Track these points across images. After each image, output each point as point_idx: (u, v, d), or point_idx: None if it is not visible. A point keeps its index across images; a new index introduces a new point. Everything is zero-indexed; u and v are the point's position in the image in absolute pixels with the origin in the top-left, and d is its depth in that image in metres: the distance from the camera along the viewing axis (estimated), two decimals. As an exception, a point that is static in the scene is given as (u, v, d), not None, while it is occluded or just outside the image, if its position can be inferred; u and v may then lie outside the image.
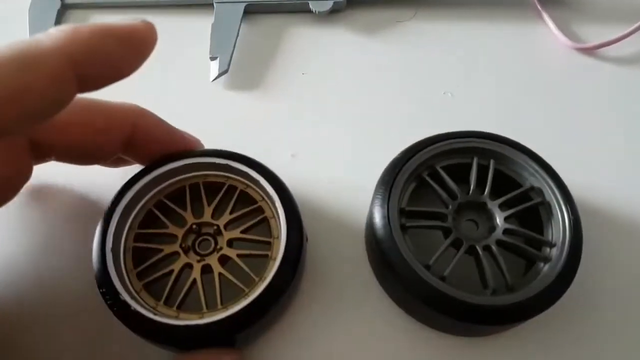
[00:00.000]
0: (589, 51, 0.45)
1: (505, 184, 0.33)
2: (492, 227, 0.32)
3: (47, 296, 0.35)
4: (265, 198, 0.33)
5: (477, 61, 0.44)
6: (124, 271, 0.31)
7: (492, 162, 0.33)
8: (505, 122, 0.41)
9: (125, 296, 0.29)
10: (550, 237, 0.31)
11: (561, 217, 0.31)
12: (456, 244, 0.31)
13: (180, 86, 0.42)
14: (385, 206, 0.30)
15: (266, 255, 0.31)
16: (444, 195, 0.32)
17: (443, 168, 0.33)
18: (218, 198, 0.33)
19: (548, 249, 0.31)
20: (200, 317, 0.29)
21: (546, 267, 0.30)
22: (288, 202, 0.32)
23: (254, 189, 0.34)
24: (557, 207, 0.31)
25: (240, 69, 0.43)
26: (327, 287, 0.34)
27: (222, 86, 0.42)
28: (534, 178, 0.32)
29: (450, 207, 0.32)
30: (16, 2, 0.45)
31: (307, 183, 0.37)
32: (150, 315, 0.29)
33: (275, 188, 0.32)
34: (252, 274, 0.31)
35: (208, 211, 0.33)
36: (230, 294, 0.31)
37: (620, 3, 0.48)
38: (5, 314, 0.33)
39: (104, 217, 0.31)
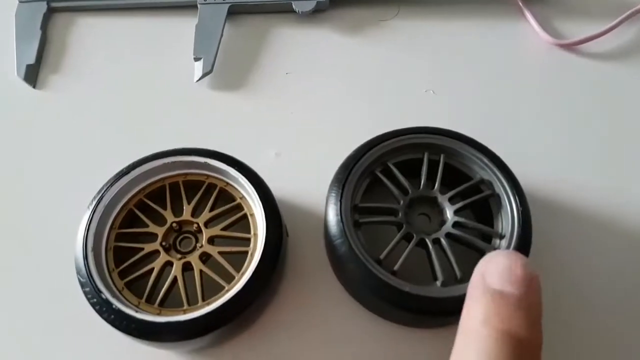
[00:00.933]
0: (570, 47, 0.46)
1: (456, 178, 0.34)
2: (443, 221, 0.33)
3: (32, 298, 0.35)
4: (245, 195, 0.34)
5: (458, 58, 0.46)
6: (105, 270, 0.32)
7: (442, 156, 0.34)
8: (481, 118, 0.42)
9: (107, 295, 0.30)
10: (500, 229, 0.32)
11: (510, 208, 0.32)
12: (407, 238, 0.32)
13: (165, 87, 0.43)
14: (339, 203, 0.32)
15: (246, 252, 0.32)
16: (395, 191, 0.33)
17: (395, 164, 0.34)
18: (198, 196, 0.34)
19: (498, 241, 0.32)
20: (182, 313, 0.30)
21: None
22: (267, 199, 0.33)
23: (233, 186, 0.34)
24: (506, 199, 0.32)
25: (225, 70, 0.44)
26: (305, 283, 0.35)
27: (207, 86, 0.43)
28: (484, 171, 0.33)
29: (402, 202, 0.33)
30: (1, 6, 0.45)
31: (290, 181, 0.38)
32: (132, 313, 0.29)
33: (254, 185, 0.33)
34: (232, 271, 0.32)
35: (188, 209, 0.34)
36: (212, 290, 0.32)
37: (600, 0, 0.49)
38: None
39: (85, 217, 0.31)
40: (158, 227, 0.33)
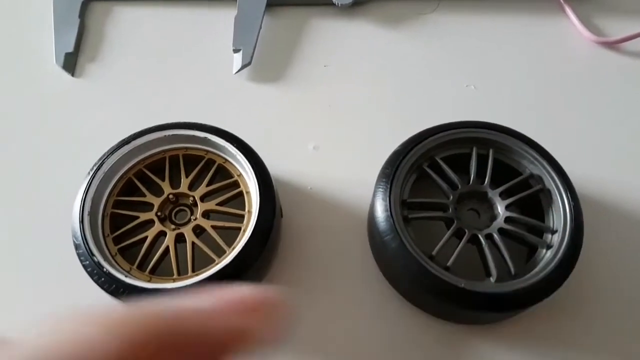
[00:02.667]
0: (612, 45, 0.45)
1: (504, 172, 0.34)
2: (494, 216, 0.33)
3: (26, 258, 0.36)
4: (243, 173, 0.34)
5: (499, 54, 0.45)
6: (100, 235, 0.33)
7: (491, 151, 0.34)
8: (525, 114, 0.41)
9: (99, 258, 0.31)
10: (551, 224, 0.32)
11: (562, 203, 0.32)
12: (459, 234, 0.32)
13: (204, 78, 0.44)
14: (387, 198, 0.32)
15: (239, 228, 0.33)
16: (444, 186, 0.33)
17: (443, 159, 0.34)
18: (196, 171, 0.36)
19: (550, 236, 0.32)
20: (172, 282, 0.31)
21: (548, 253, 0.31)
22: (263, 178, 0.33)
23: (231, 163, 0.35)
24: (557, 193, 0.32)
25: (263, 62, 0.44)
26: (314, 270, 0.36)
27: (245, 78, 0.44)
28: (533, 166, 0.33)
29: (451, 197, 0.33)
30: None
31: (326, 173, 0.39)
32: (122, 278, 0.30)
33: (251, 163, 0.33)
34: (223, 245, 0.32)
35: (186, 182, 0.35)
36: (203, 262, 0.32)
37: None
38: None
39: (85, 182, 0.32)
40: (155, 198, 0.35)
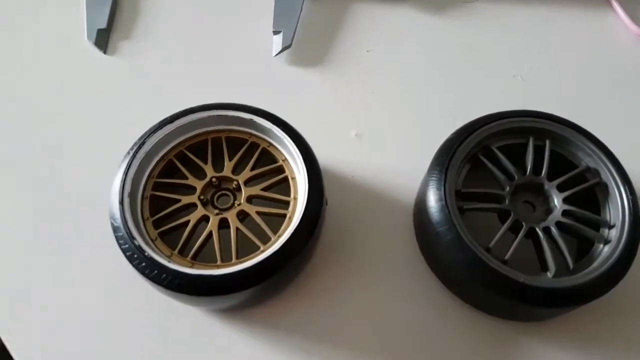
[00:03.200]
0: None
1: (560, 164, 0.33)
2: (549, 209, 0.32)
3: (62, 240, 0.35)
4: (288, 158, 0.33)
5: (545, 46, 0.44)
6: (140, 218, 0.32)
7: (547, 142, 0.32)
8: (573, 106, 0.39)
9: (140, 241, 0.29)
10: (608, 218, 0.31)
11: (619, 197, 0.30)
12: (514, 227, 0.31)
13: (242, 60, 0.43)
14: (442, 188, 0.30)
15: (284, 215, 0.32)
16: (501, 176, 0.32)
17: (498, 148, 0.33)
18: (240, 154, 0.34)
19: (607, 230, 0.31)
20: (215, 268, 0.29)
21: (606, 248, 0.30)
22: (311, 163, 0.32)
23: (276, 148, 0.34)
24: (615, 187, 0.31)
25: (304, 45, 0.43)
26: (356, 261, 0.34)
27: (285, 61, 0.42)
28: (590, 159, 0.32)
29: (507, 188, 0.32)
30: None
31: (369, 162, 0.38)
32: (165, 263, 0.29)
33: (299, 148, 0.32)
34: (269, 232, 0.31)
35: (229, 166, 0.34)
36: (246, 249, 0.31)
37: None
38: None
39: (124, 163, 0.31)
40: (197, 181, 0.33)
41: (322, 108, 0.40)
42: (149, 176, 0.33)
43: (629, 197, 0.30)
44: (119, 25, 0.44)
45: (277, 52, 0.41)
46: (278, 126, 0.33)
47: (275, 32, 0.42)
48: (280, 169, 0.34)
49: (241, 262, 0.29)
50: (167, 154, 0.33)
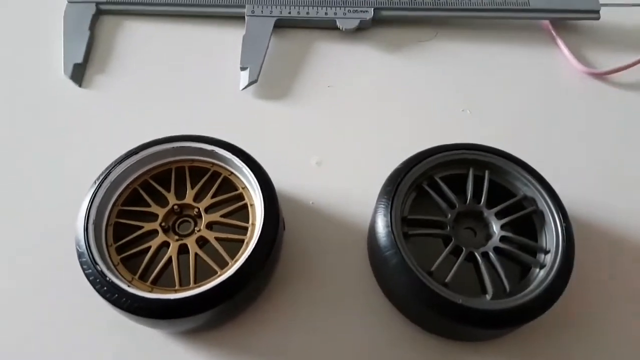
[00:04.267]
0: (600, 76, 0.47)
1: (499, 193, 0.35)
2: (489, 235, 0.34)
3: (28, 266, 0.36)
4: (247, 186, 0.35)
5: (492, 81, 0.46)
6: (104, 244, 0.33)
7: (487, 172, 0.35)
8: (516, 139, 0.42)
9: (102, 267, 0.31)
10: (544, 244, 0.33)
11: (554, 224, 0.32)
12: (456, 251, 0.33)
13: (210, 93, 0.45)
14: (389, 215, 0.32)
15: (242, 240, 0.33)
16: (443, 204, 0.34)
17: (441, 178, 0.35)
18: (201, 182, 0.36)
19: (543, 255, 0.33)
20: (174, 293, 0.31)
21: (541, 272, 0.32)
22: (268, 190, 0.34)
23: (237, 176, 0.36)
24: (549, 215, 0.33)
25: (269, 80, 0.45)
26: (314, 284, 0.36)
27: (251, 95, 0.45)
28: (527, 188, 0.34)
29: (449, 215, 0.34)
30: (51, 6, 0.48)
31: (328, 189, 0.39)
32: (125, 287, 0.30)
33: (257, 176, 0.34)
34: (226, 257, 0.32)
35: (191, 194, 0.35)
36: (205, 274, 0.32)
37: (633, 30, 0.50)
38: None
39: (90, 192, 0.33)
40: (160, 208, 0.35)
41: (285, 138, 0.42)
42: (114, 204, 0.34)
43: (563, 224, 0.32)
44: (95, 60, 0.46)
45: (244, 86, 0.44)
46: (238, 156, 0.35)
47: (243, 68, 0.44)
48: (240, 197, 0.35)
49: (199, 287, 0.31)
50: (132, 182, 0.35)
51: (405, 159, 0.35)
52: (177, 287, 0.32)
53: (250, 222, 0.34)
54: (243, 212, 0.35)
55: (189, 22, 0.48)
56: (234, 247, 0.33)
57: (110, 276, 0.30)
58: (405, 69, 0.47)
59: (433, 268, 0.32)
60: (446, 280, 0.31)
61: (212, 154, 0.35)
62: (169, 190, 0.35)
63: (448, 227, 0.33)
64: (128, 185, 0.35)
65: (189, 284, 0.32)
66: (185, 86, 0.45)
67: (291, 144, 0.42)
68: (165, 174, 0.36)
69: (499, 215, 0.34)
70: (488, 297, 0.31)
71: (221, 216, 0.34)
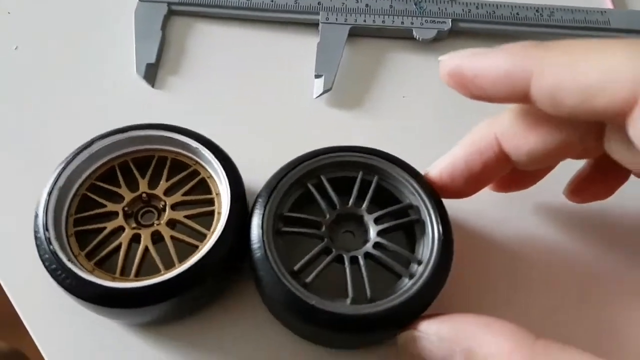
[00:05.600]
0: None
1: (387, 200, 0.34)
2: (366, 240, 0.33)
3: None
4: (199, 161, 0.34)
5: None
6: (64, 212, 0.33)
7: (375, 177, 0.34)
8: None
9: (51, 234, 0.31)
10: (420, 254, 0.32)
11: (432, 235, 0.31)
12: (327, 253, 0.32)
13: (283, 101, 0.44)
14: (263, 209, 0.32)
15: (196, 246, 0.32)
16: (323, 204, 0.33)
17: (329, 180, 0.34)
18: (150, 170, 0.35)
19: (416, 266, 0.31)
20: (110, 280, 0.30)
21: (410, 282, 0.30)
22: (236, 199, 0.32)
23: (184, 154, 0.35)
24: (429, 225, 0.32)
25: (343, 88, 0.44)
26: None
27: (325, 103, 0.44)
28: (413, 196, 0.33)
29: (327, 216, 0.33)
30: (122, 5, 0.48)
31: None
32: (65, 260, 0.30)
33: (206, 146, 0.33)
34: (175, 258, 0.31)
35: (143, 183, 0.34)
36: (149, 269, 0.31)
37: None
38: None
39: (66, 158, 0.32)
40: (129, 192, 0.34)
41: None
42: (88, 176, 0.34)
43: (441, 235, 0.30)
44: (167, 61, 0.45)
45: (319, 94, 0.43)
46: (178, 132, 0.34)
47: (317, 76, 0.44)
48: (195, 172, 0.35)
49: (137, 280, 0.30)
50: (111, 160, 0.34)
51: (295, 157, 0.34)
52: (116, 275, 0.31)
53: (211, 229, 0.33)
54: (202, 185, 0.34)
55: (261, 27, 0.48)
56: (206, 220, 0.33)
57: (55, 245, 0.30)
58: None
59: (296, 267, 0.30)
60: (307, 281, 0.30)
61: (196, 151, 0.34)
62: (144, 177, 0.34)
63: (323, 228, 0.32)
64: (107, 161, 0.34)
65: (130, 275, 0.31)
66: (257, 92, 0.44)
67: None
68: (146, 159, 0.35)
69: (378, 221, 0.33)
70: (348, 301, 0.29)
71: (185, 216, 0.33)
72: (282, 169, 0.34)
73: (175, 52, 0.46)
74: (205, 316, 0.34)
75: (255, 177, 0.34)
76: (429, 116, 0.43)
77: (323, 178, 0.34)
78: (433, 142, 0.40)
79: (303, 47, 0.46)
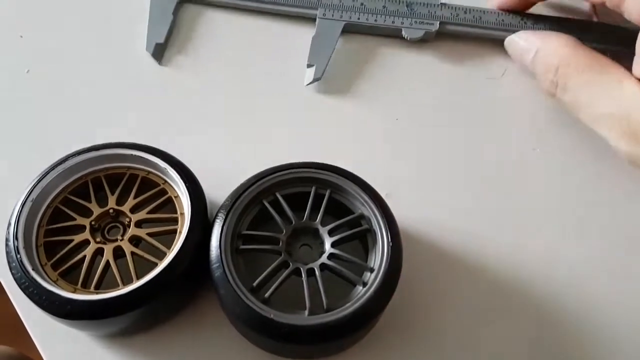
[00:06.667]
0: None
1: (341, 212, 0.35)
2: (322, 252, 0.34)
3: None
4: (168, 180, 0.36)
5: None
6: (36, 223, 0.34)
7: (328, 191, 0.35)
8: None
9: (20, 243, 0.32)
10: (372, 263, 0.33)
11: (382, 244, 0.32)
12: (285, 267, 0.33)
13: (276, 86, 0.48)
14: (221, 229, 0.33)
15: (175, 231, 0.34)
16: (279, 220, 0.34)
17: (284, 196, 0.35)
18: (120, 187, 0.36)
19: (368, 274, 0.32)
20: (72, 292, 0.32)
21: (363, 290, 0.31)
22: (197, 217, 0.34)
23: (155, 174, 0.36)
24: (379, 234, 0.33)
25: (332, 78, 0.48)
26: None
27: (315, 91, 0.48)
28: (364, 207, 0.34)
29: (284, 231, 0.34)
30: None
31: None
32: (29, 269, 0.31)
33: (174, 167, 0.35)
34: (133, 274, 0.33)
35: (112, 199, 0.36)
36: (146, 269, 0.32)
37: None
38: None
39: (12, 218, 0.34)
40: (85, 219, 0.35)
41: (344, 131, 0.45)
42: (39, 226, 0.34)
43: (390, 244, 0.32)
44: (175, 43, 0.50)
45: (309, 82, 0.46)
46: (152, 154, 0.35)
47: (309, 65, 0.47)
48: (163, 192, 0.36)
49: (97, 293, 0.31)
50: (52, 202, 0.35)
51: (251, 175, 0.35)
52: (78, 287, 0.32)
53: (178, 212, 0.35)
54: (169, 205, 0.36)
55: (265, 18, 0.51)
56: (169, 239, 0.34)
57: (21, 254, 0.32)
58: (463, 82, 0.48)
59: (255, 283, 0.32)
60: (266, 296, 0.31)
61: (124, 157, 0.36)
62: (113, 193, 0.36)
63: (280, 243, 0.33)
64: (81, 176, 0.36)
65: (90, 287, 0.32)
66: (254, 76, 0.48)
67: (349, 138, 0.45)
68: (119, 176, 0.36)
69: (332, 233, 0.34)
70: (306, 312, 0.31)
71: (148, 234, 0.34)
72: (238, 189, 0.35)
73: (183, 36, 0.50)
74: (172, 328, 0.35)
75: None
76: (404, 112, 0.46)
77: (278, 195, 0.35)
78: (409, 136, 0.45)
79: (300, 39, 0.49)
